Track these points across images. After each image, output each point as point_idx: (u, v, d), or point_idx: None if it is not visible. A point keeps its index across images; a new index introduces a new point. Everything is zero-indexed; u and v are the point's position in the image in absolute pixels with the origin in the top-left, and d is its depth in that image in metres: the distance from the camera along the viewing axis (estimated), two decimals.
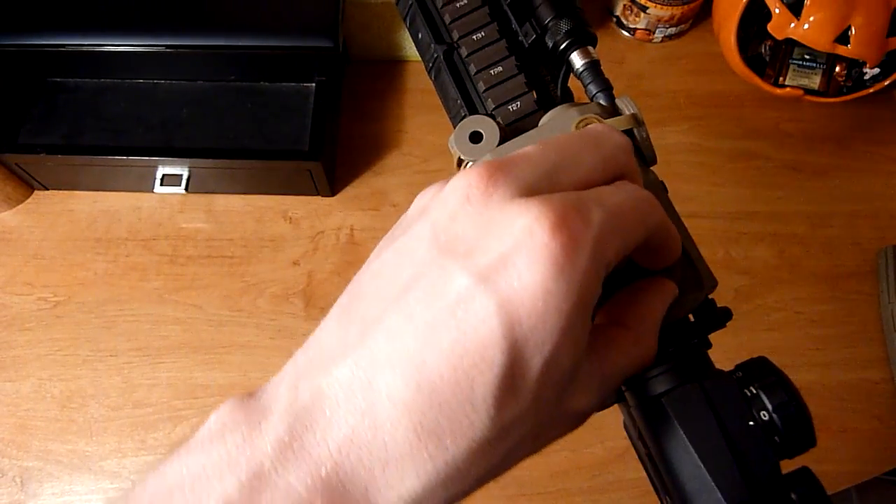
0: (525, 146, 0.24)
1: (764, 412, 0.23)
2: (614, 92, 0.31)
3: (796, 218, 0.72)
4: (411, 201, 0.69)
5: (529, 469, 0.60)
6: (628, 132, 0.26)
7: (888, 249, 0.68)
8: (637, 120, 0.26)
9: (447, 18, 0.30)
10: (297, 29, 0.64)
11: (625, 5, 0.79)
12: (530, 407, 0.19)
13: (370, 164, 0.74)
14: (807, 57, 0.74)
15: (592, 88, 0.29)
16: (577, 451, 0.61)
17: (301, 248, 0.69)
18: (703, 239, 0.69)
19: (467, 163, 0.27)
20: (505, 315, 0.17)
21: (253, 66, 0.70)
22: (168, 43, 0.64)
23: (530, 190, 0.19)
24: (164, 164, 0.67)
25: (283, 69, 0.70)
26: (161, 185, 0.68)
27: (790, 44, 0.73)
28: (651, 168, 0.28)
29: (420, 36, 0.31)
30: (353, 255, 0.69)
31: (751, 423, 0.23)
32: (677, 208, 0.27)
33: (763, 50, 0.76)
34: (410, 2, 0.32)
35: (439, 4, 0.31)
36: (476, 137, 0.27)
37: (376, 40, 0.77)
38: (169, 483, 0.19)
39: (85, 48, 0.64)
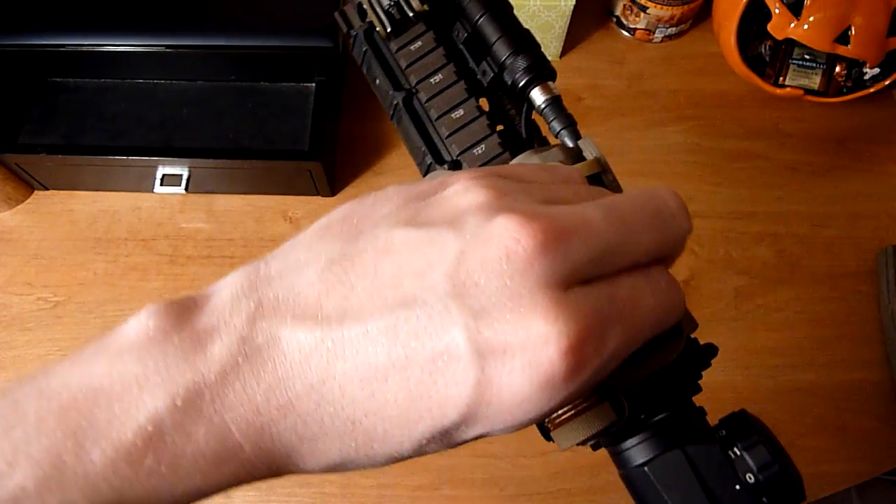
0: None
1: (749, 474, 0.23)
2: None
3: (796, 218, 0.72)
4: None
5: (530, 469, 0.60)
6: (595, 177, 0.26)
7: (888, 249, 0.68)
8: (601, 164, 0.26)
9: (403, 63, 0.29)
10: (297, 29, 0.64)
11: (625, 5, 0.79)
12: (448, 445, 0.20)
13: (370, 164, 0.74)
14: (807, 57, 0.74)
15: (556, 125, 0.28)
16: (577, 451, 0.61)
17: None
18: (704, 239, 0.69)
19: None
20: (479, 393, 0.18)
21: (253, 66, 0.70)
22: (168, 43, 0.64)
23: (573, 277, 0.18)
24: (164, 164, 0.67)
25: (283, 69, 0.70)
26: (161, 185, 0.68)
27: (790, 44, 0.73)
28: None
29: (378, 83, 0.30)
30: None
31: (737, 486, 0.23)
32: None
33: (763, 50, 0.76)
34: (364, 48, 0.31)
35: (394, 48, 0.30)
36: None
37: None
38: (94, 384, 0.18)
39: (85, 48, 0.64)
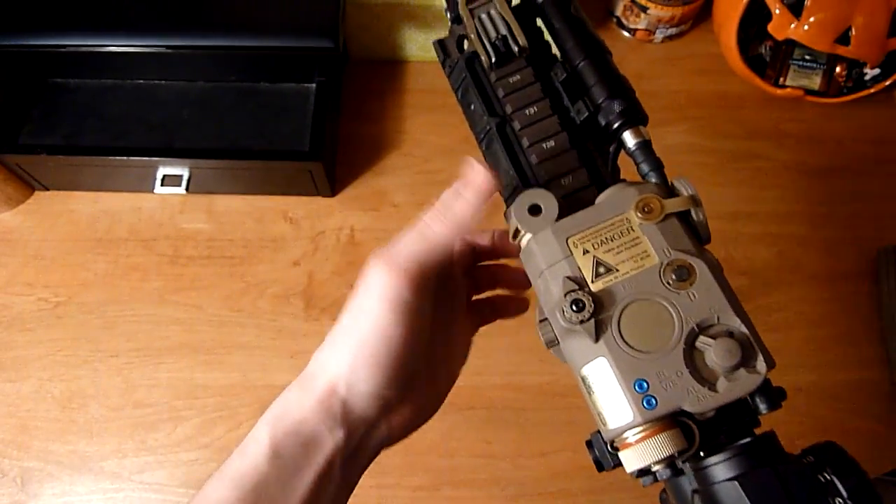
0: (583, 221, 0.27)
1: (839, 499, 0.24)
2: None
3: (796, 218, 0.72)
4: (412, 201, 0.72)
5: (530, 469, 0.60)
6: (684, 213, 0.27)
7: (888, 249, 0.68)
8: (695, 201, 0.27)
9: (500, 92, 0.31)
10: (297, 29, 0.64)
11: (625, 6, 0.79)
12: None
13: (370, 164, 0.74)
14: (807, 57, 0.74)
15: (644, 167, 0.30)
16: (577, 451, 0.61)
17: (301, 249, 0.69)
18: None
19: (524, 234, 0.28)
20: None
21: (253, 66, 0.70)
22: (168, 43, 0.64)
23: None
24: (164, 164, 0.67)
25: (283, 69, 0.70)
26: (161, 185, 0.68)
27: (790, 44, 0.73)
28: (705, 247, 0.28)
29: (472, 108, 0.32)
30: (353, 256, 0.69)
31: None
32: None
33: (763, 50, 0.76)
34: (464, 74, 0.33)
35: (493, 78, 0.32)
36: (535, 210, 0.27)
37: (376, 40, 0.77)
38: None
39: (85, 49, 0.64)
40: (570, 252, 0.27)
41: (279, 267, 0.68)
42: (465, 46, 0.34)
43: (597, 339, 0.25)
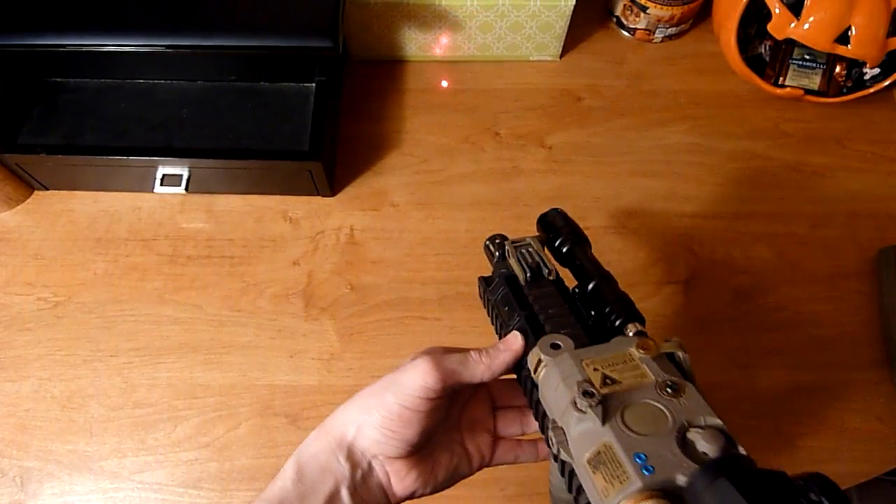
0: (594, 352, 0.35)
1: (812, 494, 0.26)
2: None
3: (796, 218, 0.72)
4: (411, 201, 0.72)
5: (530, 469, 0.60)
6: (671, 354, 0.35)
7: (888, 249, 0.68)
8: (681, 346, 0.35)
9: (531, 299, 0.41)
10: (297, 29, 0.64)
11: (625, 5, 0.79)
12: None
13: (370, 164, 0.74)
14: (807, 57, 0.74)
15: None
16: None
17: (301, 248, 0.69)
18: (704, 239, 0.69)
19: (545, 364, 0.35)
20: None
21: (253, 66, 0.70)
22: (168, 43, 0.64)
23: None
24: (164, 164, 0.67)
25: (283, 69, 0.70)
26: (161, 185, 0.68)
27: (790, 44, 0.73)
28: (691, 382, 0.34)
29: (507, 308, 0.42)
30: (353, 255, 0.69)
31: None
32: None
33: (763, 50, 0.76)
34: (502, 287, 0.43)
35: (526, 291, 0.42)
36: (556, 346, 0.36)
37: (376, 40, 0.77)
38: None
39: (85, 48, 0.64)
40: (583, 368, 0.34)
41: (279, 267, 0.68)
42: (501, 273, 0.44)
43: (603, 423, 0.31)
